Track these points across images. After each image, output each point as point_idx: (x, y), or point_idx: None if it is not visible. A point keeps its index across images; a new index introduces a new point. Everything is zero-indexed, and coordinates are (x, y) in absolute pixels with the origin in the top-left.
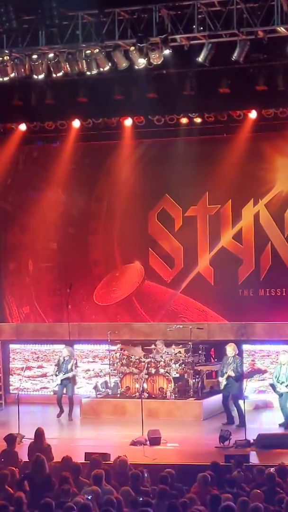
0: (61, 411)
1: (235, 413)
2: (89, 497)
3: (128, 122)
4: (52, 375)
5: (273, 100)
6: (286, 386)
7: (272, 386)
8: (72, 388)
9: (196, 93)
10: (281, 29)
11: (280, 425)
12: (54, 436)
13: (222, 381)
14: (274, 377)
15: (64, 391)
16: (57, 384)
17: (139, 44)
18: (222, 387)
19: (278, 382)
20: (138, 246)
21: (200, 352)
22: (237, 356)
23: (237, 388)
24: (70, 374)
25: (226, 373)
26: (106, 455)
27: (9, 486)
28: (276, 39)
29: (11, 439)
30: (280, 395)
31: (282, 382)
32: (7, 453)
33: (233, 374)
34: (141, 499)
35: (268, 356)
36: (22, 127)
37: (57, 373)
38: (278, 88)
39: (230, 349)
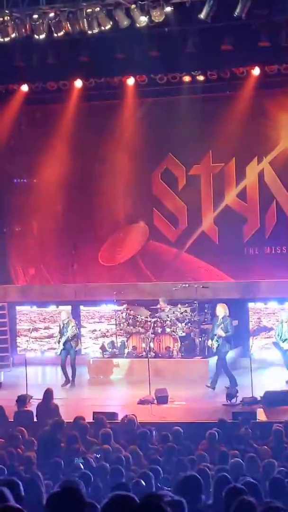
0: (67, 380)
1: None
2: (98, 456)
3: (130, 81)
4: (56, 340)
5: (277, 56)
6: None
7: (275, 344)
8: (75, 353)
9: (198, 51)
10: None
11: (287, 382)
12: (62, 396)
13: (213, 343)
14: (277, 335)
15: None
16: (61, 350)
17: (140, 2)
18: (214, 350)
19: (281, 340)
20: (142, 206)
21: (205, 311)
22: (227, 316)
23: (226, 349)
24: (69, 334)
25: (216, 334)
26: (114, 414)
27: (19, 447)
28: None
29: (23, 400)
30: (284, 352)
31: (285, 340)
32: (20, 413)
33: (223, 334)
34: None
35: (273, 314)
36: (24, 88)
37: (60, 339)
38: (281, 44)
39: (221, 309)
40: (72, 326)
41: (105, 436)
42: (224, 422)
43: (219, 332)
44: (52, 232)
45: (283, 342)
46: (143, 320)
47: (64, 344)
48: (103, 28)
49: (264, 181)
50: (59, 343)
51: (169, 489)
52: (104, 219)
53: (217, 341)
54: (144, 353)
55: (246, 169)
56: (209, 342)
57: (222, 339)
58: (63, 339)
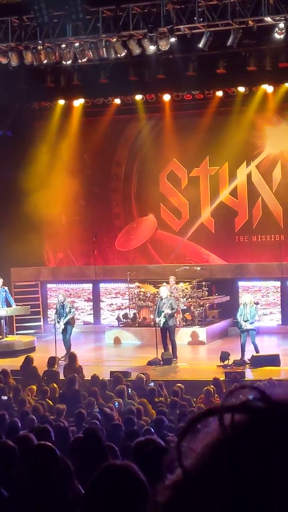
0: (67, 353)
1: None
2: (117, 405)
3: (141, 99)
4: (54, 321)
5: (262, 79)
6: (251, 324)
7: (237, 324)
8: (71, 331)
9: (197, 74)
10: (268, 19)
11: (249, 359)
12: (85, 358)
13: (161, 319)
14: (239, 316)
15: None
16: (62, 329)
17: (149, 34)
18: (161, 325)
19: (242, 320)
20: (151, 201)
21: (203, 288)
22: (170, 296)
23: (173, 322)
24: (69, 316)
25: (163, 312)
26: (128, 373)
27: (50, 400)
28: (263, 27)
29: (52, 361)
30: (243, 332)
31: (247, 320)
32: (49, 373)
33: (170, 312)
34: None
35: (259, 290)
36: (57, 103)
37: (58, 320)
38: (265, 69)
39: (165, 291)
40: (70, 308)
41: (120, 391)
42: (218, 380)
43: (167, 310)
44: (77, 223)
45: (244, 322)
46: (151, 296)
47: (64, 324)
48: (119, 55)
49: (251, 181)
50: (58, 323)
51: (173, 435)
52: (120, 212)
53: (164, 317)
54: (152, 323)
55: (237, 172)
56: (157, 319)
57: (169, 315)
58: (63, 320)
